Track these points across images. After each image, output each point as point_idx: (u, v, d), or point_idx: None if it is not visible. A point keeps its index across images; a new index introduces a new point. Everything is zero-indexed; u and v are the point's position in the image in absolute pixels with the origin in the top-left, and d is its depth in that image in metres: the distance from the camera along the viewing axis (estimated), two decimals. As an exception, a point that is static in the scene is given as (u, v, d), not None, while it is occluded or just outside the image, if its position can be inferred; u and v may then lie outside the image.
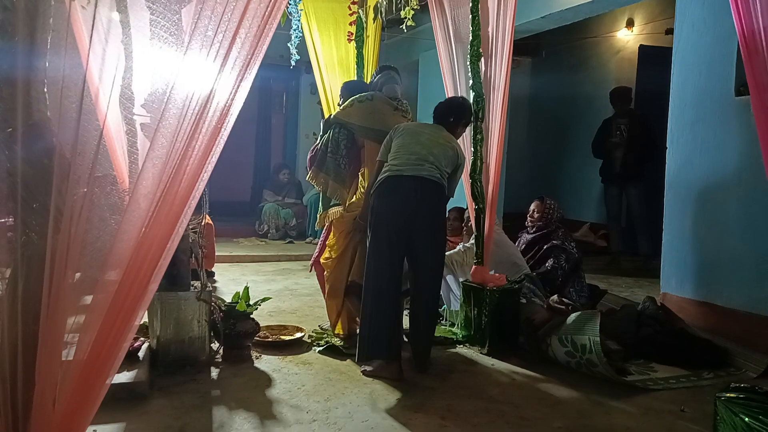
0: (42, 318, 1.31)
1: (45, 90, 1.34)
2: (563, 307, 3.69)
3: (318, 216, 3.78)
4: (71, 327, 1.40)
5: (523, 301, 3.75)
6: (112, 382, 1.48)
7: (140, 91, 2.50)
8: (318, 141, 3.73)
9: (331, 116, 3.75)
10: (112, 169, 2.39)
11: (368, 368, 3.17)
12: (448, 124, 3.41)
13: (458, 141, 3.52)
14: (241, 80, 1.52)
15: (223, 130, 1.52)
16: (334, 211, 3.62)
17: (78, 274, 1.42)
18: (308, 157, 3.78)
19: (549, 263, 4.19)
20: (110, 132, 2.56)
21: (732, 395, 2.15)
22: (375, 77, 3.89)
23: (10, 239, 1.35)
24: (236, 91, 1.53)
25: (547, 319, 3.51)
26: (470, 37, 3.69)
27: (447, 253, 4.02)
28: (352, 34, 4.63)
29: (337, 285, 3.61)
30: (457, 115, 3.44)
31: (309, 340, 3.68)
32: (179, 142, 1.41)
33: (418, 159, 3.17)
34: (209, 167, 1.52)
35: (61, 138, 1.34)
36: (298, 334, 3.70)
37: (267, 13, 1.50)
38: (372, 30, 4.74)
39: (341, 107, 3.69)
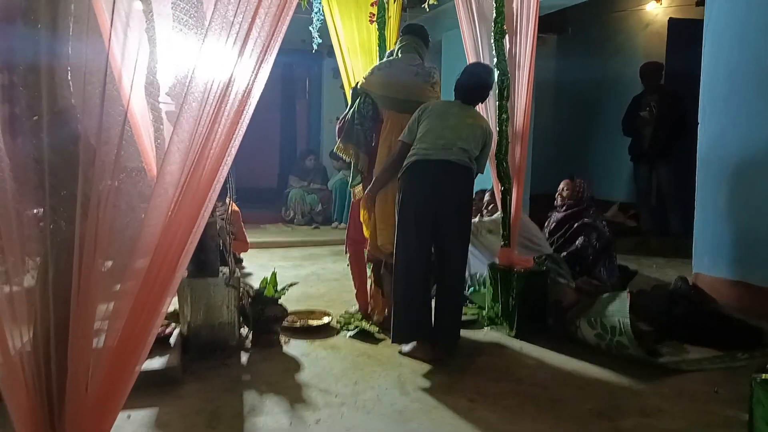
0: (72, 305, 1.33)
1: (69, 77, 1.35)
2: (592, 288, 3.64)
3: (351, 190, 3.79)
4: (101, 314, 1.42)
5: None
6: (146, 367, 1.50)
7: (165, 79, 2.51)
8: (347, 110, 3.69)
9: (358, 84, 3.73)
10: (140, 159, 2.42)
11: (405, 349, 3.21)
12: (473, 101, 3.38)
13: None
14: (261, 63, 1.51)
15: (244, 113, 1.51)
16: (359, 189, 3.64)
17: (110, 263, 1.43)
18: (337, 127, 3.76)
19: (579, 241, 4.13)
20: (137, 121, 2.58)
21: (769, 376, 2.09)
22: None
23: (42, 229, 1.37)
24: (257, 74, 1.51)
25: (575, 301, 3.47)
26: (494, 15, 3.62)
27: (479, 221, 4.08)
28: (373, 15, 4.58)
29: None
30: (484, 93, 3.42)
31: (337, 325, 3.70)
32: (202, 127, 1.41)
33: (446, 143, 3.15)
34: (232, 151, 1.52)
35: (86, 124, 1.34)
36: (326, 319, 3.72)
37: (286, -8, 1.48)
38: (394, 11, 4.68)
39: (366, 75, 3.67)
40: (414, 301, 3.16)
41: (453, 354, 3.20)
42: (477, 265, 4.10)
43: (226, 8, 1.38)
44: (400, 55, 3.63)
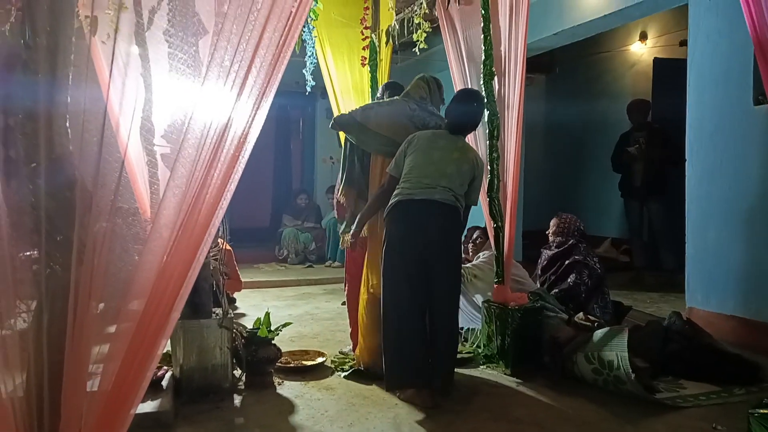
0: (66, 349, 1.33)
1: (67, 125, 1.38)
2: (589, 324, 3.63)
3: (341, 236, 3.74)
4: (95, 357, 1.41)
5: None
6: (137, 411, 1.49)
7: (160, 122, 2.54)
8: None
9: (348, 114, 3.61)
10: (134, 201, 2.44)
11: (401, 395, 3.12)
12: (462, 132, 3.35)
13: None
14: (257, 108, 1.54)
15: (241, 158, 1.54)
16: (348, 237, 3.58)
17: (102, 305, 1.43)
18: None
19: (571, 279, 4.14)
20: (132, 163, 2.61)
21: (765, 411, 2.09)
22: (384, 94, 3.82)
23: (35, 272, 1.37)
24: (253, 119, 1.55)
25: (572, 337, 3.46)
26: (483, 57, 3.71)
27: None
28: (365, 58, 4.69)
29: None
30: (473, 122, 3.38)
31: (332, 366, 3.66)
32: (198, 172, 1.43)
33: (430, 182, 3.09)
34: (228, 195, 1.54)
35: (82, 171, 1.36)
36: (320, 359, 3.69)
37: (281, 41, 1.52)
38: (385, 54, 4.79)
39: (362, 108, 3.60)
40: (406, 347, 3.05)
41: (451, 396, 3.14)
42: (463, 320, 3.94)
43: (222, 57, 1.42)
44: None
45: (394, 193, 3.17)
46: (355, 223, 3.40)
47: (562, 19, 5.36)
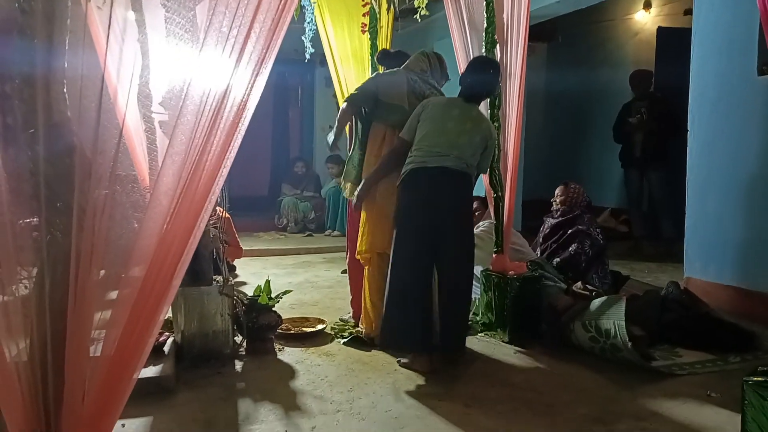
0: (69, 315, 1.34)
1: (65, 90, 1.36)
2: (587, 293, 3.66)
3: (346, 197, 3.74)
4: (98, 323, 1.43)
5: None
6: (139, 376, 1.51)
7: (158, 89, 2.52)
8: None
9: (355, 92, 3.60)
10: (133, 169, 2.43)
11: (402, 360, 3.17)
12: (476, 100, 3.34)
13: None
14: (257, 75, 1.53)
15: (240, 125, 1.53)
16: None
17: (103, 272, 1.44)
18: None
19: (572, 248, 4.15)
20: (130, 131, 2.59)
21: (760, 379, 2.12)
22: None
23: (35, 238, 1.38)
24: (252, 86, 1.53)
25: (570, 305, 3.49)
26: (485, 25, 3.66)
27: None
28: (365, 25, 4.62)
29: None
30: (487, 90, 3.38)
31: (332, 332, 3.70)
32: (198, 139, 1.43)
33: (441, 150, 3.11)
34: (228, 162, 1.53)
35: (81, 137, 1.36)
36: (320, 326, 3.73)
37: (281, 6, 1.50)
38: (385, 20, 4.72)
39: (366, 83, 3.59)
40: (408, 312, 3.06)
41: (457, 363, 3.18)
42: None
43: (221, 22, 1.40)
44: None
45: (407, 161, 3.19)
46: (362, 185, 3.43)
47: (566, -14, 5.28)
